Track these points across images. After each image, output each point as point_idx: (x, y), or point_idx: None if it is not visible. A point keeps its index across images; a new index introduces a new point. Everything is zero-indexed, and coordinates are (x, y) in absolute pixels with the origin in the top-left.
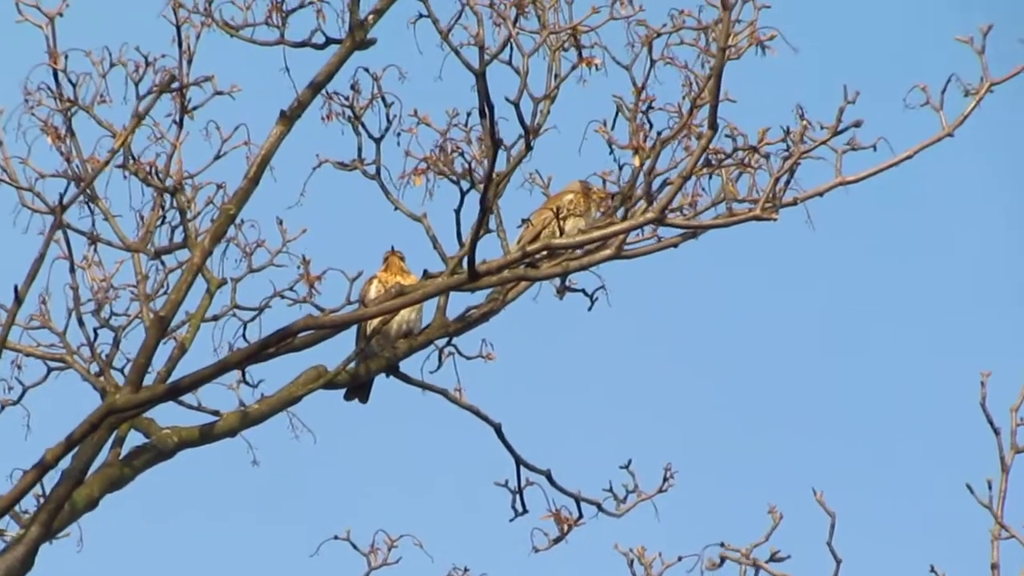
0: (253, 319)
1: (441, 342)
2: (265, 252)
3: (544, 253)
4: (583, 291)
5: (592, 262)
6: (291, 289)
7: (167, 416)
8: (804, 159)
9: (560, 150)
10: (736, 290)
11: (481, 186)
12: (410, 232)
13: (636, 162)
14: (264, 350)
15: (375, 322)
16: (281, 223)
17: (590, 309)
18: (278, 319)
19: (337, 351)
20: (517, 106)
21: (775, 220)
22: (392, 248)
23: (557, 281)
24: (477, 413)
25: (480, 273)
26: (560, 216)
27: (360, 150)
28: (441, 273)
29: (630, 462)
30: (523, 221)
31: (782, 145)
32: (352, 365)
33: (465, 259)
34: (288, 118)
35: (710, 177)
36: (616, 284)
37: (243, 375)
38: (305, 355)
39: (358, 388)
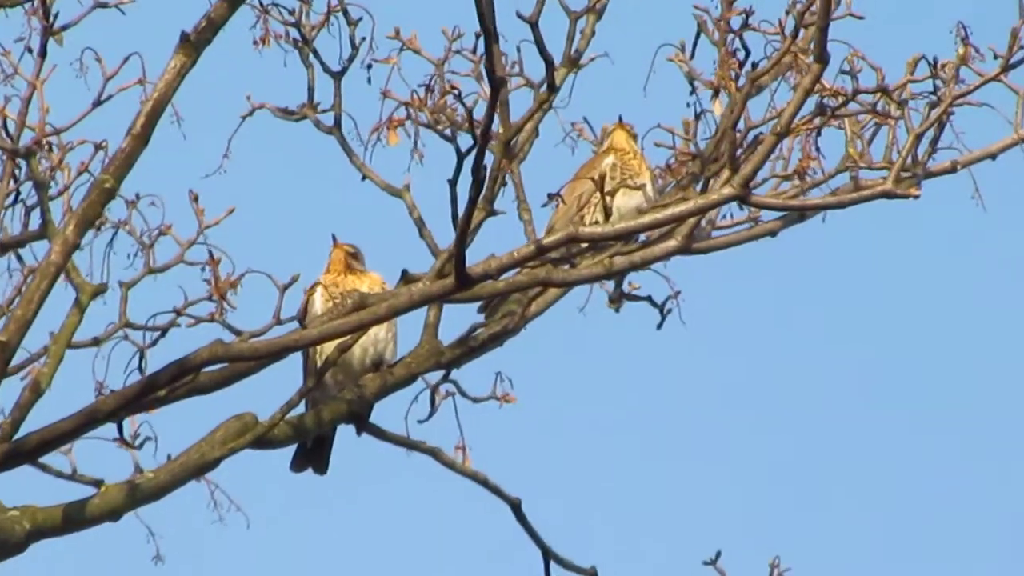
0: (153, 344)
1: (434, 376)
2: (172, 244)
3: (576, 247)
4: (649, 299)
5: (652, 257)
6: (209, 300)
7: (18, 489)
8: (960, 105)
9: (616, 89)
10: (859, 298)
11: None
12: (386, 212)
13: (716, 108)
14: (149, 393)
15: (329, 349)
16: (196, 199)
17: (660, 327)
18: (187, 345)
19: (277, 391)
20: (534, 25)
21: (916, 197)
22: (334, 239)
23: (610, 284)
24: (486, 484)
25: (473, 278)
26: (603, 186)
27: (312, 90)
28: (424, 275)
29: (718, 556)
30: (550, 197)
31: (927, 86)
32: (297, 412)
33: (454, 260)
34: (193, 44)
35: (818, 133)
36: (700, 287)
37: (119, 430)
38: (223, 399)
39: (310, 452)
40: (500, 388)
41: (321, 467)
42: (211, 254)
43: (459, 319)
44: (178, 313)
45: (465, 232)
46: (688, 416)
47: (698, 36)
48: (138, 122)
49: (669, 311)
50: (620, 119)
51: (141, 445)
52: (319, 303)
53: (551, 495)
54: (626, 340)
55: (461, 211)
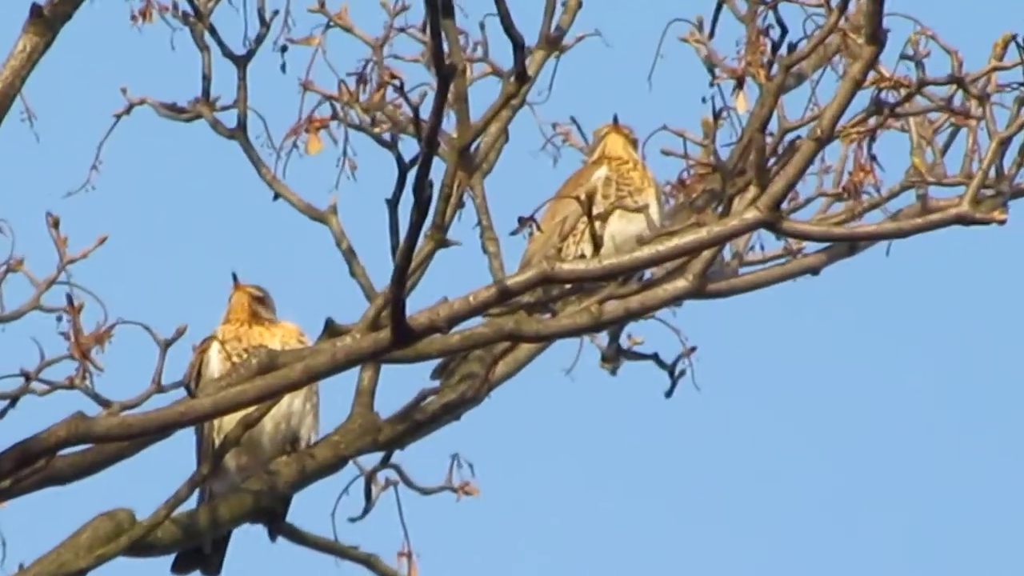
0: None
1: (370, 460)
2: (25, 283)
3: (555, 288)
4: (655, 358)
5: (655, 302)
6: (70, 359)
7: None
8: None
9: (611, 79)
10: (926, 352)
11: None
12: (307, 241)
13: (740, 104)
14: None
15: (229, 424)
16: (56, 225)
17: (669, 394)
18: (39, 418)
19: (159, 477)
20: None
21: (1000, 222)
22: (235, 279)
23: (604, 338)
24: None
25: (416, 331)
26: (592, 207)
27: (208, 80)
28: (354, 327)
29: None
30: (521, 223)
31: (1018, 75)
32: (187, 506)
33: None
34: (47, 20)
35: (872, 139)
36: (720, 341)
37: None
38: (89, 488)
39: (199, 553)
40: (457, 475)
41: (212, 567)
42: (69, 299)
43: (403, 383)
44: (27, 378)
45: (404, 270)
46: (706, 504)
47: (719, 9)
48: None
49: (682, 373)
50: (615, 120)
51: None
52: (215, 363)
53: None
54: (625, 411)
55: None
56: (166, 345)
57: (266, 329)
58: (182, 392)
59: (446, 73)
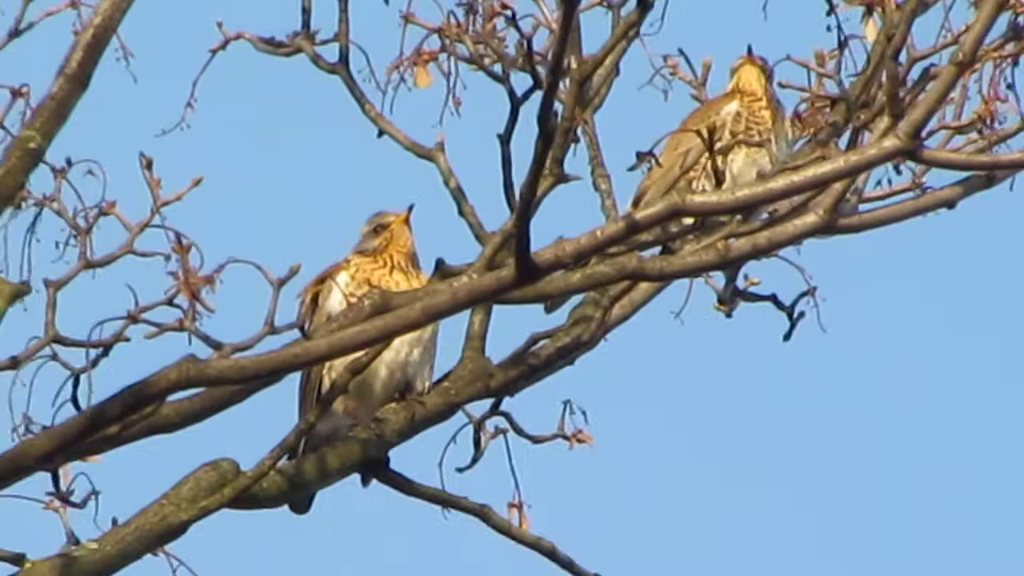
0: (93, 364)
1: (478, 408)
2: (117, 227)
3: (676, 225)
4: (774, 299)
5: (784, 238)
6: (170, 303)
7: None
8: None
9: (727, 16)
10: None
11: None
12: (413, 179)
13: (869, 33)
14: (95, 432)
15: (338, 368)
16: (149, 166)
17: (788, 337)
18: (140, 365)
19: (263, 427)
20: None
21: None
22: (409, 209)
23: (719, 278)
24: (552, 556)
25: (541, 267)
26: (716, 143)
27: (308, 12)
28: (469, 267)
29: None
30: (640, 157)
31: None
32: (289, 459)
33: (514, 240)
34: None
35: (1015, 63)
36: (845, 282)
37: (55, 482)
38: (193, 438)
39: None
40: (570, 423)
41: (302, 506)
42: (179, 237)
43: (513, 328)
44: (132, 319)
45: (530, 203)
46: (828, 458)
47: None
48: (73, 59)
49: (801, 314)
50: (749, 50)
51: (85, 503)
52: (335, 300)
53: (638, 569)
54: (741, 355)
55: (519, 177)
56: (279, 284)
57: (410, 281)
58: (295, 334)
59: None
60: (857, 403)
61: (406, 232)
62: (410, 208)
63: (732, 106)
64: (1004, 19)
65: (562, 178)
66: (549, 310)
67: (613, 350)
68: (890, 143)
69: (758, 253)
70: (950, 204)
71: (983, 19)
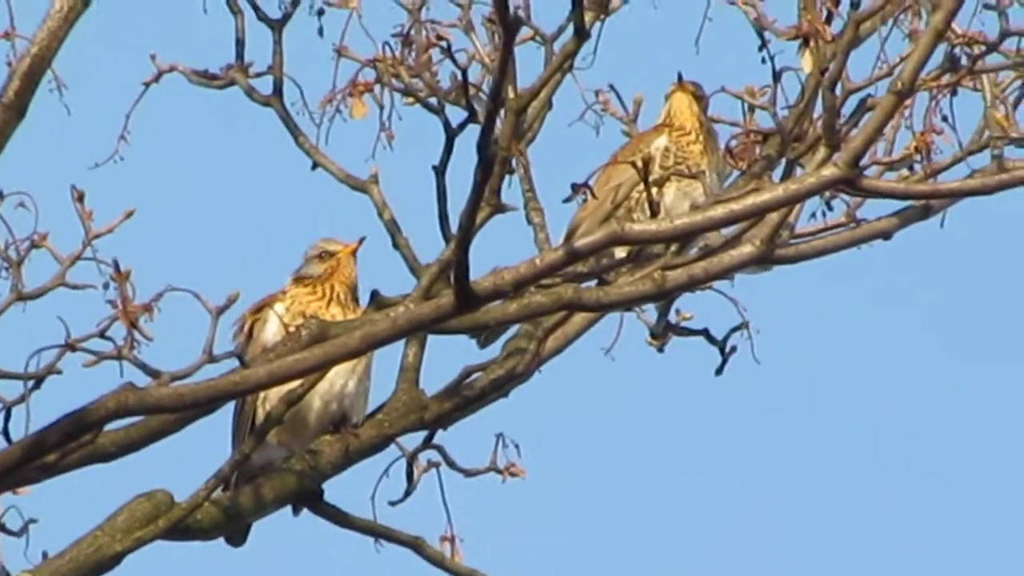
0: (22, 399)
1: (412, 440)
2: (49, 259)
3: (616, 254)
4: (706, 333)
5: (720, 269)
6: (102, 335)
7: None
8: None
9: (658, 50)
10: (1007, 324)
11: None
12: (346, 212)
13: (806, 64)
14: (32, 460)
15: (272, 399)
16: (81, 199)
17: (720, 371)
18: (74, 396)
19: (193, 462)
20: None
21: None
22: (359, 242)
23: (652, 313)
24: None
25: (480, 295)
26: (649, 174)
27: (242, 45)
28: (405, 298)
29: None
30: (575, 189)
31: None
32: (224, 490)
33: (452, 269)
34: None
35: (953, 93)
36: (777, 315)
37: None
38: (125, 469)
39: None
40: (503, 456)
41: (238, 538)
42: (117, 266)
43: (447, 361)
44: (70, 347)
45: (469, 231)
46: (760, 491)
47: None
48: (10, 88)
49: (734, 349)
50: (679, 78)
51: (21, 532)
52: (271, 330)
53: None
54: (674, 389)
55: (455, 209)
56: (218, 313)
57: (347, 314)
58: (233, 363)
59: (511, 24)
60: (789, 437)
61: (351, 264)
62: (360, 240)
63: (661, 141)
64: (941, 50)
65: (499, 208)
66: (483, 345)
67: (547, 384)
68: (829, 172)
69: (694, 284)
70: (886, 235)
71: (922, 48)
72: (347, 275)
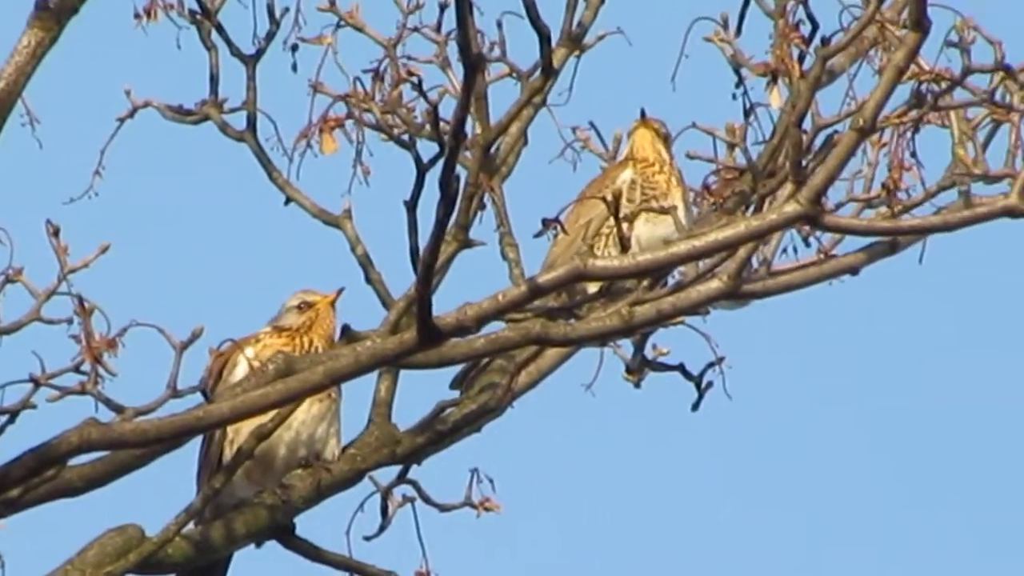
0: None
1: (386, 475)
2: (24, 293)
3: (588, 289)
4: (681, 369)
5: (688, 304)
6: (77, 369)
7: None
8: None
9: (634, 85)
10: (975, 359)
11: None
12: (320, 247)
13: (773, 99)
14: None
15: (241, 434)
16: (56, 233)
17: (696, 407)
18: (40, 432)
19: (164, 494)
20: None
21: None
22: (338, 292)
23: (628, 347)
24: None
25: (443, 331)
26: (619, 209)
27: (216, 81)
28: (374, 333)
29: None
30: (545, 224)
31: None
32: (195, 525)
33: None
34: (54, 12)
35: (915, 131)
36: (751, 350)
37: None
38: (97, 504)
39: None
40: (477, 491)
41: (216, 571)
42: (81, 301)
43: (421, 396)
44: (36, 384)
45: (431, 267)
46: (736, 528)
47: (747, 5)
48: None
49: (709, 384)
50: (643, 114)
51: None
52: (241, 369)
53: None
54: (649, 424)
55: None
56: (182, 348)
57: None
58: (198, 398)
59: (473, 62)
60: (767, 470)
61: (331, 315)
62: (339, 291)
63: (626, 174)
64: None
65: (467, 243)
66: (456, 387)
67: (521, 418)
68: (791, 208)
69: (662, 319)
70: (854, 271)
71: (884, 84)
72: (327, 326)
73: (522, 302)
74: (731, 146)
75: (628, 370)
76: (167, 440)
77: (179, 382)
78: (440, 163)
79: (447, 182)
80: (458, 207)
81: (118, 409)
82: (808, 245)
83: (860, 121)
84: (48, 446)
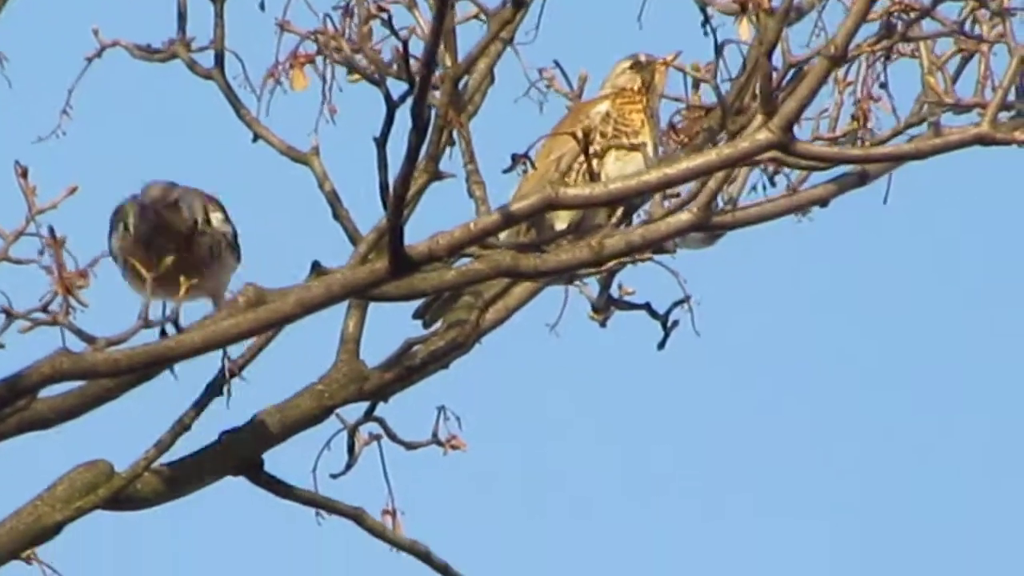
0: None
1: (353, 412)
2: None
3: (557, 226)
4: (647, 308)
5: (657, 236)
6: (45, 309)
7: None
8: None
9: (602, 24)
10: (946, 293)
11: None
12: (288, 183)
13: (743, 31)
14: None
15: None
16: (25, 174)
17: (662, 346)
18: (11, 365)
19: (137, 429)
20: None
21: (1023, 143)
22: (676, 54)
23: (594, 287)
24: (427, 559)
25: (415, 259)
26: (590, 144)
27: (183, 19)
28: (344, 267)
29: None
30: (515, 160)
31: None
32: (163, 463)
33: (388, 236)
34: None
35: (886, 59)
36: (719, 286)
37: None
38: (66, 439)
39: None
40: (444, 429)
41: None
42: (52, 232)
43: (388, 332)
44: (9, 315)
45: (402, 197)
46: (702, 466)
47: None
48: None
49: (675, 323)
50: (638, 62)
51: None
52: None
53: (512, 572)
54: (615, 363)
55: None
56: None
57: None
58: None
59: None
60: (733, 411)
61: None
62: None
63: (602, 107)
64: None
65: (437, 175)
66: (428, 325)
67: (488, 357)
68: (763, 135)
69: (633, 250)
70: (823, 202)
71: (855, 12)
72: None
73: (494, 230)
74: (696, 84)
75: (594, 309)
76: (139, 370)
77: (150, 313)
78: (409, 101)
79: (419, 112)
80: (428, 139)
81: (89, 340)
82: (774, 185)
83: (832, 49)
84: (19, 376)
